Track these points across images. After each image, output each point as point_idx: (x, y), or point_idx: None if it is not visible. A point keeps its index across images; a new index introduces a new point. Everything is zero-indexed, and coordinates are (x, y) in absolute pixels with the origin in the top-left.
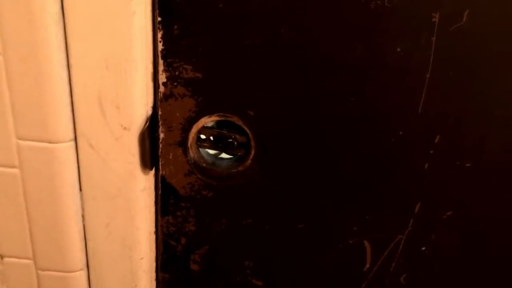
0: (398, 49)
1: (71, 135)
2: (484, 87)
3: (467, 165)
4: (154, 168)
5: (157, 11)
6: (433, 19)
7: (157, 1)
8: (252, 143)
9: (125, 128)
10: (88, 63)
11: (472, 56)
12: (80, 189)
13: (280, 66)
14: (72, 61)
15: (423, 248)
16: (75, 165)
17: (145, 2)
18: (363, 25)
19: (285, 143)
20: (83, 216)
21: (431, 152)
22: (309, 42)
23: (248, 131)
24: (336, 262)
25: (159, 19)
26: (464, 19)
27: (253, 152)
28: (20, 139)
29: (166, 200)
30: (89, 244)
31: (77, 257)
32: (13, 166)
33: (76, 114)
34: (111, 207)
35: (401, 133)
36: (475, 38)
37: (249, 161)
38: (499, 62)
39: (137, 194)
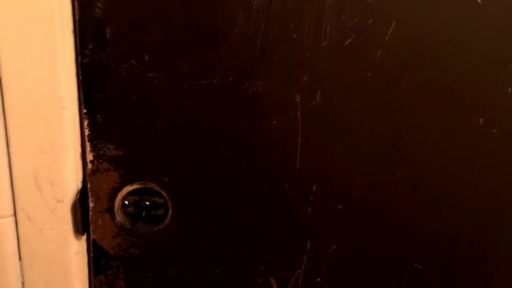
0: (274, 122)
1: (11, 211)
2: (341, 144)
3: (340, 206)
4: (85, 234)
5: (83, 105)
6: (296, 99)
7: (82, 97)
8: (169, 204)
9: (59, 201)
10: (25, 149)
11: (327, 123)
12: (20, 258)
13: (184, 140)
14: (11, 149)
15: (318, 280)
16: (15, 237)
17: (73, 98)
18: (245, 106)
19: (195, 201)
20: (23, 283)
21: (311, 199)
22: (206, 120)
23: (164, 194)
24: None
25: (84, 111)
26: (317, 98)
27: (170, 211)
28: None
29: (98, 261)
30: None
31: None
32: None
33: (15, 193)
34: (48, 272)
35: (286, 186)
36: (327, 111)
37: (167, 219)
38: (347, 127)
39: (71, 258)
